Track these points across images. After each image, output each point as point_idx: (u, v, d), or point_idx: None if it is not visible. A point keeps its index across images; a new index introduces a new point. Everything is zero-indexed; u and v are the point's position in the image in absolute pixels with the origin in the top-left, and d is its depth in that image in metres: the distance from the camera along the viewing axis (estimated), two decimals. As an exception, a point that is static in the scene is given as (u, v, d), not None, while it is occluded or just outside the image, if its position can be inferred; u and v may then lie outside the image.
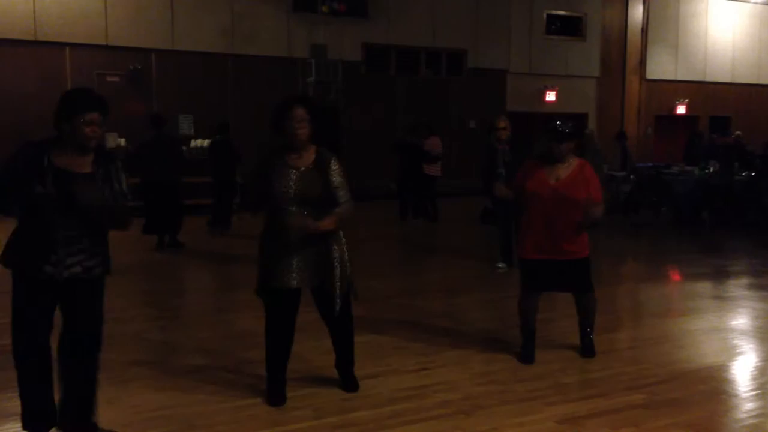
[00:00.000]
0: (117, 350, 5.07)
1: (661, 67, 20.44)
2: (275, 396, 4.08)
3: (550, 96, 18.68)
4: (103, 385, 4.30)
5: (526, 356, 4.91)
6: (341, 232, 4.08)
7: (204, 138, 13.67)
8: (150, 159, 9.32)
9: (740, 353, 5.26)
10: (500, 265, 8.26)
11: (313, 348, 5.14)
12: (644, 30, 20.05)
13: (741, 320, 6.20)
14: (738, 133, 18.17)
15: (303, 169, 3.93)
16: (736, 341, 5.53)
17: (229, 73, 14.77)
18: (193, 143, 13.93)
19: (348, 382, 4.32)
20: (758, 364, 5.06)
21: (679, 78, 20.72)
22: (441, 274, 8.49)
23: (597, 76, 19.42)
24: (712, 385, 4.53)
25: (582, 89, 19.25)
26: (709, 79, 21.08)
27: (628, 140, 15.64)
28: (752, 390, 4.48)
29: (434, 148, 11.94)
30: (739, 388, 4.55)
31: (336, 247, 4.02)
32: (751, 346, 5.45)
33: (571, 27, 18.99)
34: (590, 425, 3.85)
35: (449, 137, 16.21)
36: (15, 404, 4.04)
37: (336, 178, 3.97)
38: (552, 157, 4.74)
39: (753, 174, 12.20)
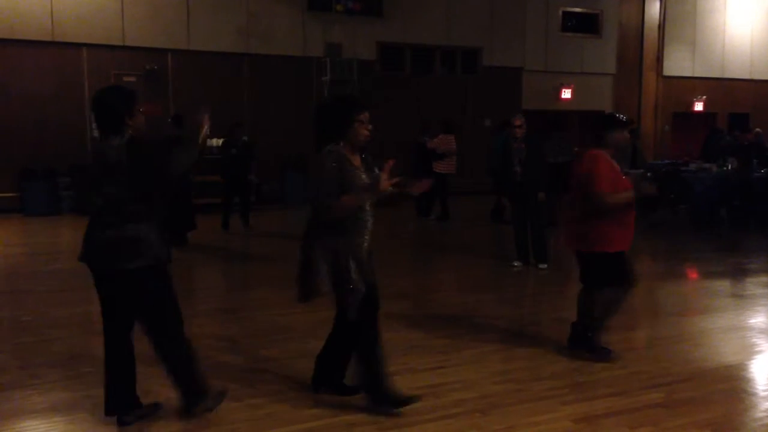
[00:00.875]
0: (136, 350, 5.11)
1: (678, 63, 20.26)
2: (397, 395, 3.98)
3: (566, 94, 18.57)
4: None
5: (607, 353, 4.84)
6: None
7: (219, 137, 13.72)
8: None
9: (759, 352, 5.22)
10: (516, 264, 8.25)
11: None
12: (661, 26, 19.88)
13: (760, 318, 6.15)
14: (758, 130, 17.95)
15: (363, 169, 3.93)
16: (754, 340, 5.49)
17: (244, 73, 14.83)
18: (208, 142, 14.00)
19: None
20: (778, 363, 5.01)
21: (697, 75, 20.51)
22: (456, 273, 8.48)
23: (613, 73, 19.28)
24: (731, 384, 4.50)
25: (598, 86, 19.11)
26: (727, 75, 20.85)
27: (640, 138, 15.54)
28: (772, 389, 4.44)
29: (440, 146, 11.87)
30: (758, 387, 4.50)
31: None
32: (771, 344, 5.41)
33: (587, 24, 18.85)
34: (608, 424, 3.83)
35: (464, 136, 16.17)
36: (33, 401, 4.10)
37: None
38: (620, 148, 4.76)
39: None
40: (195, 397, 3.81)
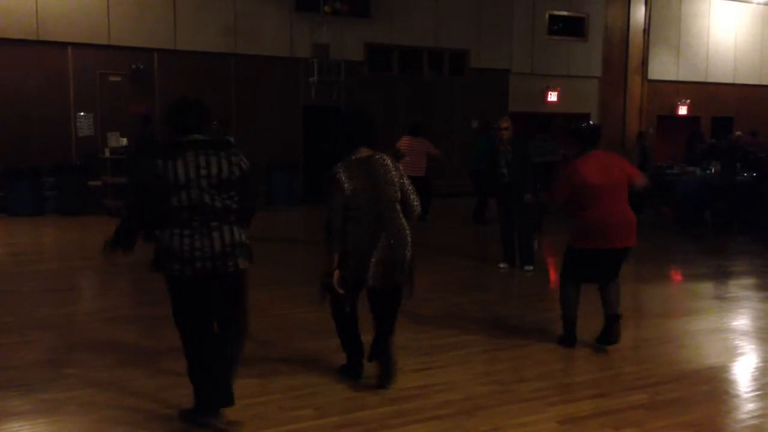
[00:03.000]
0: (120, 351, 5.08)
1: (662, 67, 20.41)
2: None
3: (552, 96, 18.67)
4: (104, 383, 4.33)
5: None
6: None
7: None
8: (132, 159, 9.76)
9: (742, 354, 5.27)
10: (502, 265, 8.27)
11: (315, 347, 5.16)
12: (646, 30, 20.03)
13: (742, 321, 6.21)
14: (738, 133, 18.15)
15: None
16: (737, 342, 5.54)
17: (231, 73, 14.77)
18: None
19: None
20: (759, 364, 5.06)
21: (681, 78, 20.68)
22: (442, 275, 8.46)
23: (599, 76, 19.40)
24: (714, 386, 4.54)
25: (584, 89, 19.22)
26: (710, 79, 21.04)
27: (648, 140, 15.74)
28: (754, 391, 4.48)
29: (401, 147, 11.60)
30: (741, 389, 4.55)
31: None
32: (753, 346, 5.46)
33: (573, 27, 18.95)
34: (592, 425, 3.86)
35: (452, 138, 16.21)
36: (15, 403, 4.08)
37: None
38: None
39: (755, 174, 12.20)
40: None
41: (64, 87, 13.24)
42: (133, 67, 13.74)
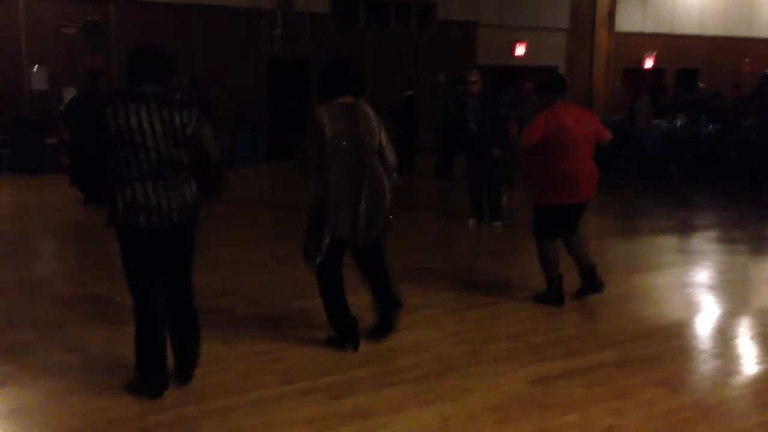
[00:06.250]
0: (77, 318, 4.92)
1: (629, 19, 20.28)
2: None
3: (520, 50, 18.46)
4: (60, 350, 4.18)
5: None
6: None
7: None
8: (80, 115, 9.46)
9: (708, 308, 5.29)
10: (471, 222, 8.21)
11: (281, 308, 5.05)
12: (614, -19, 19.83)
13: (708, 274, 6.26)
14: (702, 85, 18.21)
15: None
16: (704, 296, 5.57)
17: (192, 26, 14.27)
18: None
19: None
20: (726, 318, 5.09)
21: (648, 30, 20.60)
22: (410, 232, 8.36)
23: (566, 28, 19.23)
24: (683, 342, 4.55)
25: (551, 42, 19.04)
26: (677, 31, 21.00)
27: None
28: (721, 345, 4.49)
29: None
30: (709, 344, 4.56)
31: None
32: (720, 300, 5.48)
33: (541, -23, 18.69)
34: (563, 384, 3.82)
35: (418, 92, 15.95)
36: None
37: None
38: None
39: (720, 127, 12.26)
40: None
41: (16, 39, 12.67)
42: (88, 19, 13.19)
